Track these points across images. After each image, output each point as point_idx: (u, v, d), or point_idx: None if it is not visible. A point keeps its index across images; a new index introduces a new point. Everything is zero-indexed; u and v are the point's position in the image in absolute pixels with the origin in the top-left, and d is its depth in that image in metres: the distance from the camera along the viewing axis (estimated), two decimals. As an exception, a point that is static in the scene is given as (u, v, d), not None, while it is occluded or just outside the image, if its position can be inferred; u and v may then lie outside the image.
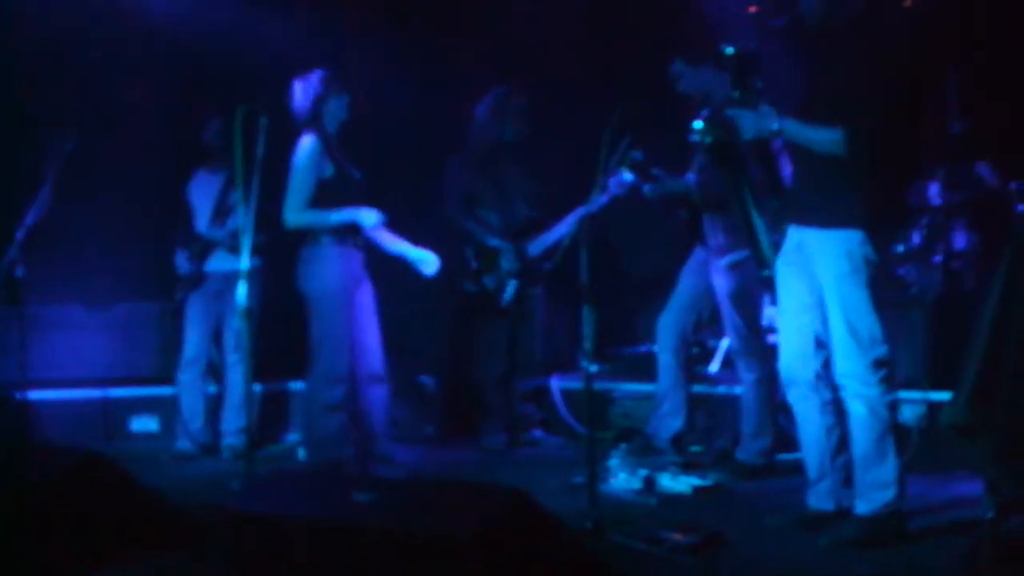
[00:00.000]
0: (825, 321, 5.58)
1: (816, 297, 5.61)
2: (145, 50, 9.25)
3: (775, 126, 5.50)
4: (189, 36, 9.08)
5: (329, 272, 7.10)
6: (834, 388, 5.63)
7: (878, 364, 5.46)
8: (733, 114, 5.63)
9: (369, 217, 7.11)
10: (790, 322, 5.78)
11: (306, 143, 7.11)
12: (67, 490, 5.25)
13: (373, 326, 7.32)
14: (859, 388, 5.48)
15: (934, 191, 8.27)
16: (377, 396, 7.31)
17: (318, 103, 7.15)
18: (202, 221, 8.32)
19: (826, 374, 5.66)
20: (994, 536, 5.08)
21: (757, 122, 5.54)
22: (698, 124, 5.99)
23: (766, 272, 5.95)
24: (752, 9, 5.98)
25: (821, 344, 5.64)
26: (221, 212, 8.25)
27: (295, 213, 7.06)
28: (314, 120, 7.15)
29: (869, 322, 5.46)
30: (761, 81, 5.68)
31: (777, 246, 5.85)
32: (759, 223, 5.94)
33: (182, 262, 8.30)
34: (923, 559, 5.31)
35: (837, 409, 5.66)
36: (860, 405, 5.49)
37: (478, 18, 9.69)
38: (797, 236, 5.68)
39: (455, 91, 8.78)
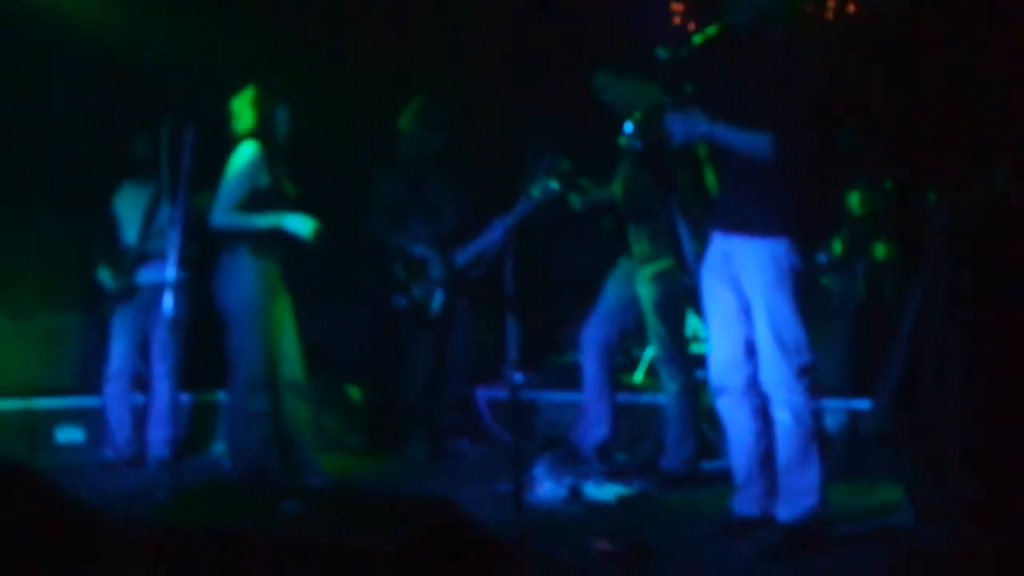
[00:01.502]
0: (753, 328, 5.63)
1: (743, 304, 5.64)
2: (70, 60, 9.16)
3: (704, 129, 5.53)
4: (117, 46, 9.01)
5: (245, 282, 7.01)
6: (762, 395, 5.67)
7: (803, 372, 5.50)
8: (664, 118, 5.62)
9: (301, 224, 7.00)
10: (720, 330, 5.79)
11: (248, 149, 7.00)
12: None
13: (292, 335, 7.23)
14: (784, 395, 5.53)
15: (855, 202, 8.37)
16: (298, 404, 7.24)
17: (267, 112, 7.11)
18: (130, 233, 8.29)
19: (756, 380, 5.69)
20: (913, 543, 5.15)
21: (687, 126, 5.54)
22: (628, 127, 6.01)
23: (688, 280, 5.97)
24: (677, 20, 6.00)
25: (752, 350, 5.66)
26: (150, 225, 8.22)
27: (223, 214, 6.95)
28: (262, 130, 7.08)
29: (794, 330, 5.50)
30: (690, 86, 5.70)
31: (700, 255, 5.87)
32: (684, 231, 5.95)
33: (106, 278, 8.28)
34: (844, 566, 5.38)
35: (765, 416, 5.69)
36: (785, 412, 5.53)
37: (401, 30, 9.70)
38: (723, 245, 5.71)
39: (378, 103, 8.79)
